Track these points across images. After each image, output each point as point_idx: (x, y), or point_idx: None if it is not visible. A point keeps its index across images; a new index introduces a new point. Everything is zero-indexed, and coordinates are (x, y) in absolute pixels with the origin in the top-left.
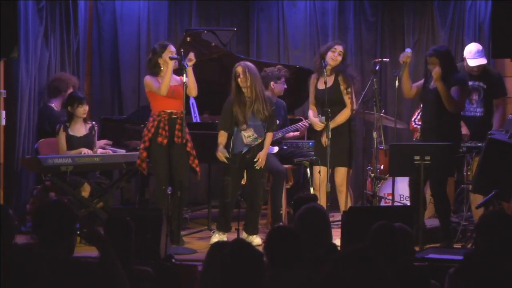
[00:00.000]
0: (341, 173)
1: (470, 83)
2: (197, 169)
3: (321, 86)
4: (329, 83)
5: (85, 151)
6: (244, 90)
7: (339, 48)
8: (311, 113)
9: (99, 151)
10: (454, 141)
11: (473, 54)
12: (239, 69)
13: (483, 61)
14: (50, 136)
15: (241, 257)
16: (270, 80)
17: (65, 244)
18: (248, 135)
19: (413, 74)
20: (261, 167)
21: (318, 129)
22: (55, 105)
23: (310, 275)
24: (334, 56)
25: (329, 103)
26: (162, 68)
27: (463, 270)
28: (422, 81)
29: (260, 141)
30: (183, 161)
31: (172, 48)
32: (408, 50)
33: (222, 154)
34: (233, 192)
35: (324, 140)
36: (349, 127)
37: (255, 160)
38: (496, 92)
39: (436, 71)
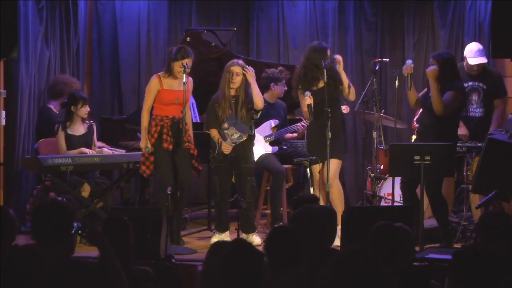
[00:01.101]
0: (333, 165)
1: (470, 83)
2: (199, 167)
3: (319, 85)
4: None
5: (86, 150)
6: (232, 89)
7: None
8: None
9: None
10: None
11: (473, 53)
12: (236, 69)
13: (483, 60)
14: (48, 136)
15: (242, 257)
16: (270, 81)
17: (64, 244)
18: (231, 134)
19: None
20: (246, 166)
21: (308, 101)
22: (54, 106)
23: (310, 275)
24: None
25: (328, 101)
26: (173, 70)
27: (456, 268)
28: (425, 90)
29: (245, 138)
30: (186, 162)
31: (185, 63)
32: (409, 61)
33: (226, 146)
34: (225, 190)
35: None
36: (342, 120)
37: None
38: (496, 92)
39: (431, 69)
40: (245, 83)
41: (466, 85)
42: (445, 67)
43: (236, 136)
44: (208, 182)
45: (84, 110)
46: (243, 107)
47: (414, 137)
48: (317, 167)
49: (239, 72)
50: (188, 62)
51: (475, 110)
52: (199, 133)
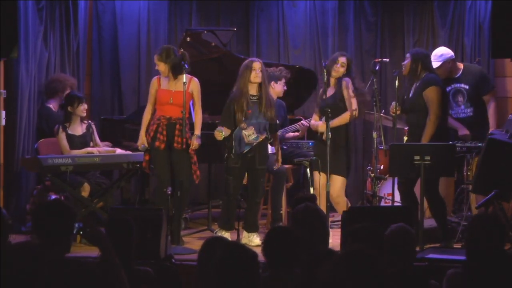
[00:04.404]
0: (337, 183)
1: (452, 85)
2: (195, 176)
3: (327, 95)
4: (331, 92)
5: (91, 150)
6: (252, 87)
7: (341, 59)
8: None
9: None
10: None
11: (436, 58)
12: (256, 64)
13: (435, 64)
14: (48, 136)
15: (235, 259)
16: (270, 80)
17: (64, 243)
18: (249, 134)
19: None
20: (261, 167)
21: (321, 130)
22: (53, 105)
23: (309, 275)
24: (336, 68)
25: (335, 105)
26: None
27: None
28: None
29: (261, 139)
30: (184, 162)
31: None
32: (394, 103)
33: (218, 133)
34: (235, 191)
35: (324, 136)
36: (346, 136)
37: (276, 164)
38: (482, 89)
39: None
40: (266, 84)
41: (449, 88)
42: (417, 60)
43: (253, 137)
44: (208, 182)
45: (82, 108)
46: (268, 106)
47: (405, 138)
48: (322, 178)
49: (261, 68)
50: (155, 58)
51: (464, 110)
52: (202, 133)
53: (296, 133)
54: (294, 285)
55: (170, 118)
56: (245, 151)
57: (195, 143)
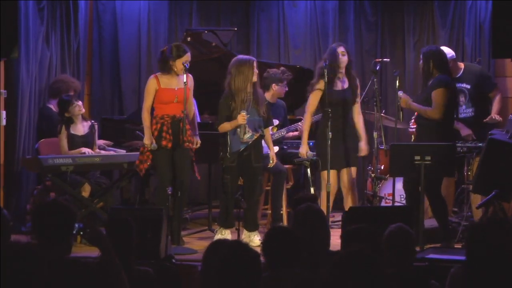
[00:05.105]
0: (354, 172)
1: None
2: (197, 174)
3: (337, 87)
4: (345, 85)
5: (85, 150)
6: (248, 85)
7: (340, 49)
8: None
9: (101, 152)
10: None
11: None
12: (255, 63)
13: None
14: (48, 136)
15: (239, 259)
16: (272, 81)
17: (64, 243)
18: (243, 132)
19: (413, 74)
20: (258, 165)
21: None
22: (54, 106)
23: (309, 275)
24: (340, 59)
25: (347, 104)
26: (174, 69)
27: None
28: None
29: (256, 137)
30: (185, 162)
31: (189, 57)
32: (400, 93)
33: (242, 115)
34: (233, 190)
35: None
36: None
37: (270, 162)
38: (486, 88)
39: (402, 99)
40: (258, 81)
41: None
42: (429, 59)
43: (248, 135)
44: (209, 182)
45: (77, 108)
46: (260, 103)
47: (413, 137)
48: (332, 175)
49: (257, 68)
50: (187, 58)
51: (465, 110)
52: (199, 133)
53: (296, 132)
54: (294, 285)
55: (174, 116)
56: (241, 150)
57: (199, 141)
